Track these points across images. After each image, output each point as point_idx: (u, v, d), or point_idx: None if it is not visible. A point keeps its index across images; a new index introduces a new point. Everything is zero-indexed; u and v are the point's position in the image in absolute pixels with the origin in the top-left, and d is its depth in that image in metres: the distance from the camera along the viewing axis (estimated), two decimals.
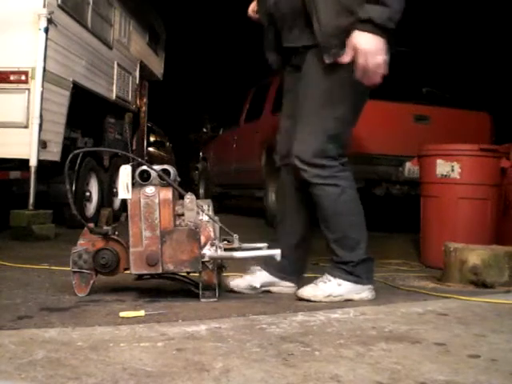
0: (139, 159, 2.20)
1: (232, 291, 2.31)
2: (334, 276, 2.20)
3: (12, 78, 4.39)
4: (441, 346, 1.53)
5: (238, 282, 2.35)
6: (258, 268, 2.38)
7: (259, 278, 2.35)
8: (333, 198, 2.19)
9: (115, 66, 6.40)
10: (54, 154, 4.70)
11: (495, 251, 2.66)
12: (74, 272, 2.17)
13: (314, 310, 1.94)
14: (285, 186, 2.42)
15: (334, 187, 2.18)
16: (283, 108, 2.45)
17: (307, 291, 2.19)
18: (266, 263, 2.37)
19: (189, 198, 2.14)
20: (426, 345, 1.54)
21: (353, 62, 2.05)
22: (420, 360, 1.40)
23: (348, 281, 2.19)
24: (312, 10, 2.10)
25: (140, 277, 2.18)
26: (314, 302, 2.14)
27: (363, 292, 2.20)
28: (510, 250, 2.69)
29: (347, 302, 2.13)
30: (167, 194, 2.11)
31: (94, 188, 5.64)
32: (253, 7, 2.53)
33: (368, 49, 2.00)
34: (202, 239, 2.09)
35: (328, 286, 2.18)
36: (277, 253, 2.13)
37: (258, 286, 2.33)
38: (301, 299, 2.18)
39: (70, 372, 1.26)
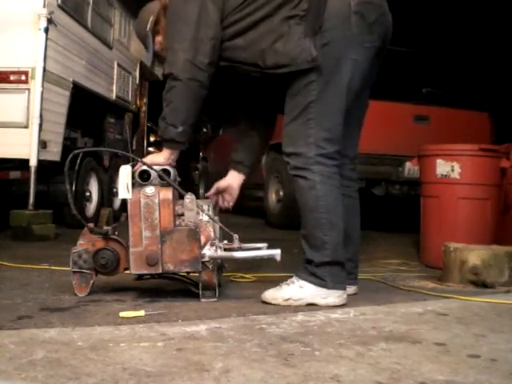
0: (139, 159, 2.20)
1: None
2: (299, 277, 2.11)
3: (12, 78, 4.38)
4: (441, 345, 1.53)
5: None
6: None
7: None
8: (302, 192, 2.14)
9: (115, 66, 6.40)
10: (54, 153, 4.69)
11: (495, 251, 2.66)
12: (74, 272, 2.17)
13: (314, 310, 1.94)
14: None
15: (303, 180, 2.11)
16: None
17: (269, 293, 2.11)
18: None
19: (189, 198, 2.14)
20: (426, 345, 1.54)
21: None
22: (420, 360, 1.40)
23: (311, 283, 2.09)
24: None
25: (140, 277, 2.19)
26: (275, 305, 2.06)
27: (329, 297, 2.08)
28: (510, 249, 2.69)
29: (348, 303, 2.10)
30: (167, 194, 2.11)
31: (94, 188, 5.63)
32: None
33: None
34: (202, 239, 2.09)
35: (290, 289, 2.10)
36: (277, 253, 2.12)
37: None
38: (263, 302, 2.10)
39: (70, 372, 1.26)
